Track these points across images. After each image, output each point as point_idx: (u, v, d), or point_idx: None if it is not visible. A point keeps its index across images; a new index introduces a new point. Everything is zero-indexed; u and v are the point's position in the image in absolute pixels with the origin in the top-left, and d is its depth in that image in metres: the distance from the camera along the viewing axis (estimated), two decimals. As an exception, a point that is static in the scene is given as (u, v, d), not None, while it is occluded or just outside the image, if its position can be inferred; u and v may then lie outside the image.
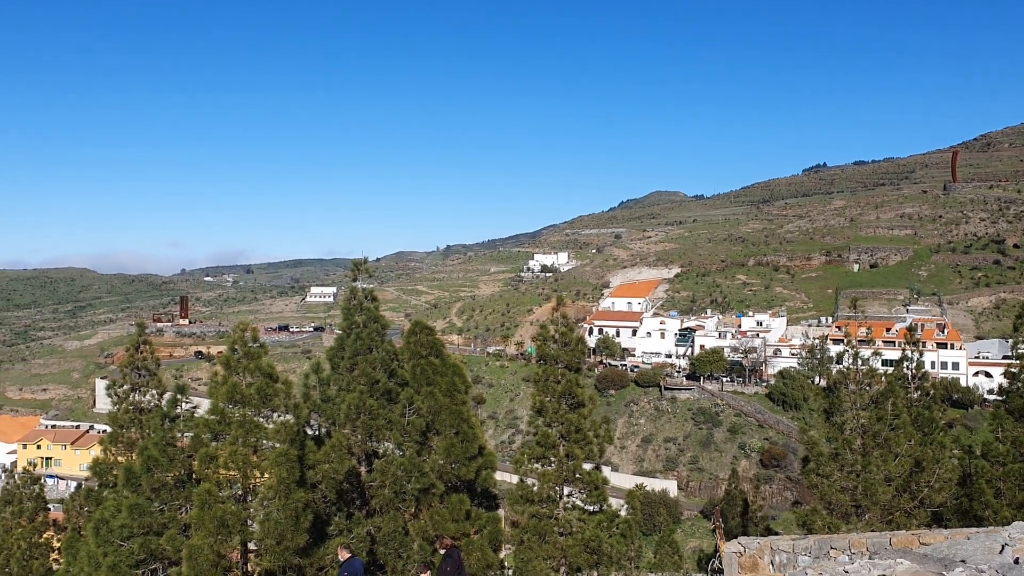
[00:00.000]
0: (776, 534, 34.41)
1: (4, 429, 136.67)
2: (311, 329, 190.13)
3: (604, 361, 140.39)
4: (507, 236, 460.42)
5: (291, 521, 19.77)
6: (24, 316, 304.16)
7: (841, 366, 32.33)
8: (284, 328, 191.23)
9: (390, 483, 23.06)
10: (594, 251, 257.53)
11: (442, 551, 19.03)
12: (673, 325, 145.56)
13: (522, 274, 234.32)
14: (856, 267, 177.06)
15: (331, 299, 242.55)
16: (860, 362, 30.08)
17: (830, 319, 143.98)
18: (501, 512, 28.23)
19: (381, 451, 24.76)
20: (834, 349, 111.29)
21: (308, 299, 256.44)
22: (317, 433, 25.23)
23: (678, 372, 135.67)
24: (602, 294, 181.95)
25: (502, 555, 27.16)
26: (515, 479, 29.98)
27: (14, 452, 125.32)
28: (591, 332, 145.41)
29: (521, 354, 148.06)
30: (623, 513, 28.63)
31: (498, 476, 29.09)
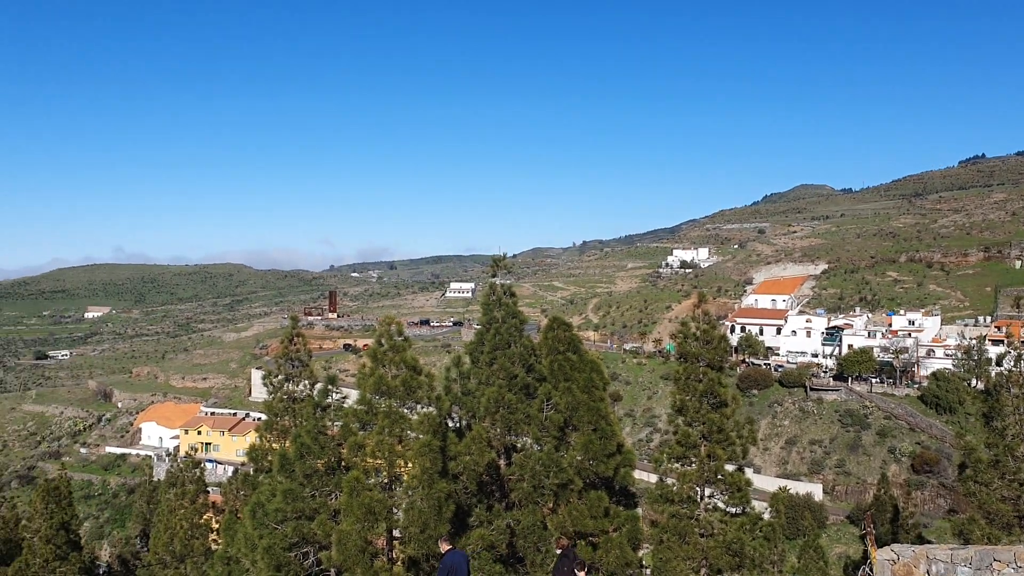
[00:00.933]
0: (928, 543, 32.75)
1: (168, 415, 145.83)
2: (450, 323, 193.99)
3: (746, 360, 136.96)
4: (645, 231, 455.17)
5: (434, 510, 20.32)
6: (186, 309, 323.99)
7: (1001, 368, 30.48)
8: (425, 322, 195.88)
9: (529, 477, 23.31)
10: (736, 246, 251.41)
11: (558, 551, 19.14)
12: (820, 323, 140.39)
13: (660, 270, 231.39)
14: (1018, 264, 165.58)
15: (470, 294, 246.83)
16: (1023, 364, 28.30)
17: (989, 319, 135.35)
18: (640, 511, 28.07)
19: (520, 445, 25.05)
20: (993, 350, 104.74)
21: (448, 294, 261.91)
22: (458, 425, 25.78)
23: (824, 372, 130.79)
24: (744, 291, 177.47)
25: (641, 554, 27.00)
26: (654, 478, 29.71)
27: (177, 437, 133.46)
28: (733, 330, 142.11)
29: (659, 351, 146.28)
30: (766, 516, 27.94)
31: (636, 474, 28.90)
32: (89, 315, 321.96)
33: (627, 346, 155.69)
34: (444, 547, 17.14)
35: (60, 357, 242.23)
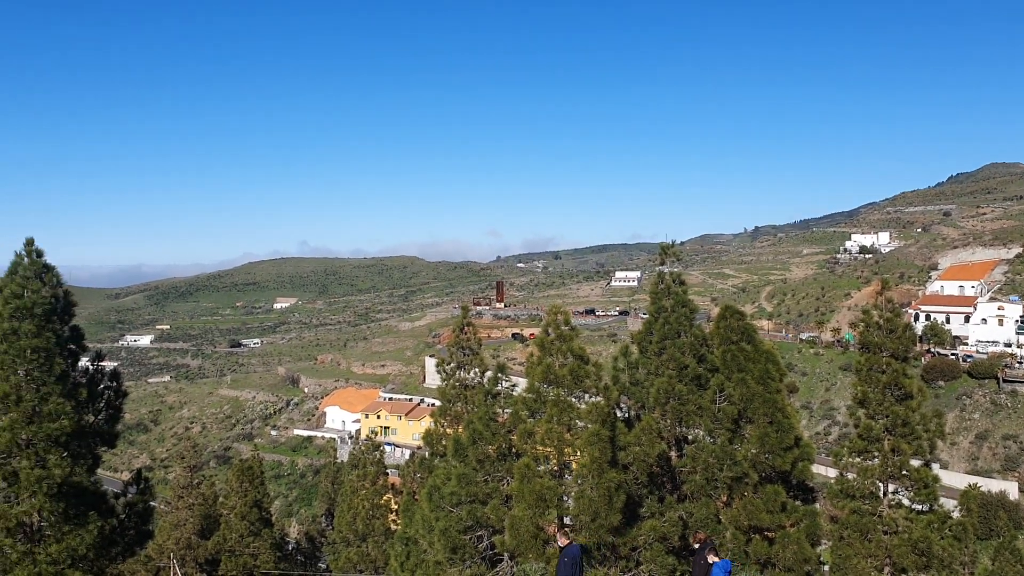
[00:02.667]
0: None
1: (350, 400, 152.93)
2: (616, 313, 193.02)
3: (932, 350, 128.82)
4: (821, 216, 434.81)
5: (604, 500, 20.33)
6: (365, 300, 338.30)
7: None
8: (590, 312, 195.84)
9: (701, 469, 22.94)
10: (919, 230, 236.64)
11: (696, 544, 18.91)
12: (1013, 311, 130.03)
13: (838, 256, 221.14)
14: None
15: (635, 283, 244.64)
16: None
17: None
18: (818, 506, 27.04)
19: (691, 437, 24.67)
20: None
21: (613, 283, 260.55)
22: (627, 415, 25.67)
23: (1020, 363, 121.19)
24: (929, 277, 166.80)
25: (819, 550, 26.02)
26: (833, 472, 28.54)
27: (358, 421, 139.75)
28: (917, 318, 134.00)
29: (838, 341, 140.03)
30: (956, 514, 26.26)
31: (814, 469, 27.85)
32: (277, 306, 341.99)
33: (803, 335, 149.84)
34: (563, 541, 17.42)
35: (252, 345, 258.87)
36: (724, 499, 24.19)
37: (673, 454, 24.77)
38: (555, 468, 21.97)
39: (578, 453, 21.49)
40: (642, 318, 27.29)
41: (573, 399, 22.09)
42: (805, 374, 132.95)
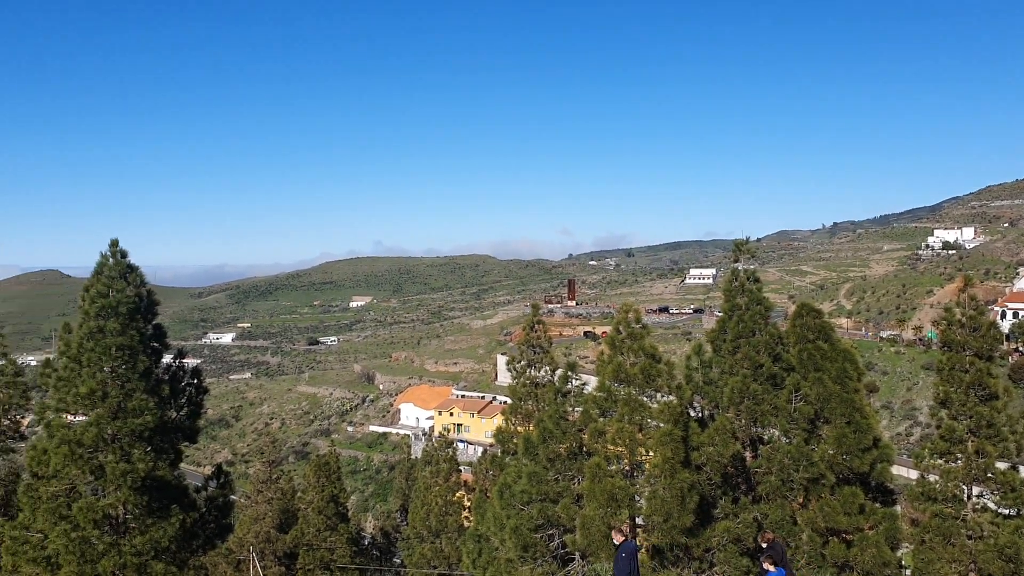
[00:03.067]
0: None
1: (424, 397, 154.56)
2: (690, 311, 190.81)
3: (1020, 349, 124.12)
4: (902, 211, 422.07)
5: (677, 500, 20.10)
6: (438, 298, 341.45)
7: None
8: (663, 310, 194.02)
9: (776, 470, 22.50)
10: (1006, 225, 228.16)
11: (763, 544, 18.74)
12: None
13: (919, 252, 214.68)
14: None
15: (710, 281, 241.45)
16: None
17: None
18: (898, 508, 26.28)
19: (766, 437, 24.23)
20: None
21: (687, 281, 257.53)
22: (700, 415, 25.33)
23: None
24: (1016, 273, 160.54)
25: (899, 554, 25.29)
26: (914, 474, 27.71)
27: (431, 418, 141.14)
28: (1003, 316, 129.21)
29: (920, 339, 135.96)
30: (1047, 521, 25.21)
31: (894, 470, 27.06)
32: (353, 304, 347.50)
33: (883, 334, 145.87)
34: (618, 538, 17.68)
35: (329, 343, 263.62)
36: (800, 501, 23.69)
37: (748, 454, 24.36)
38: (626, 468, 21.81)
39: (650, 453, 21.29)
40: (716, 316, 26.91)
41: (645, 398, 21.89)
42: (886, 373, 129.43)
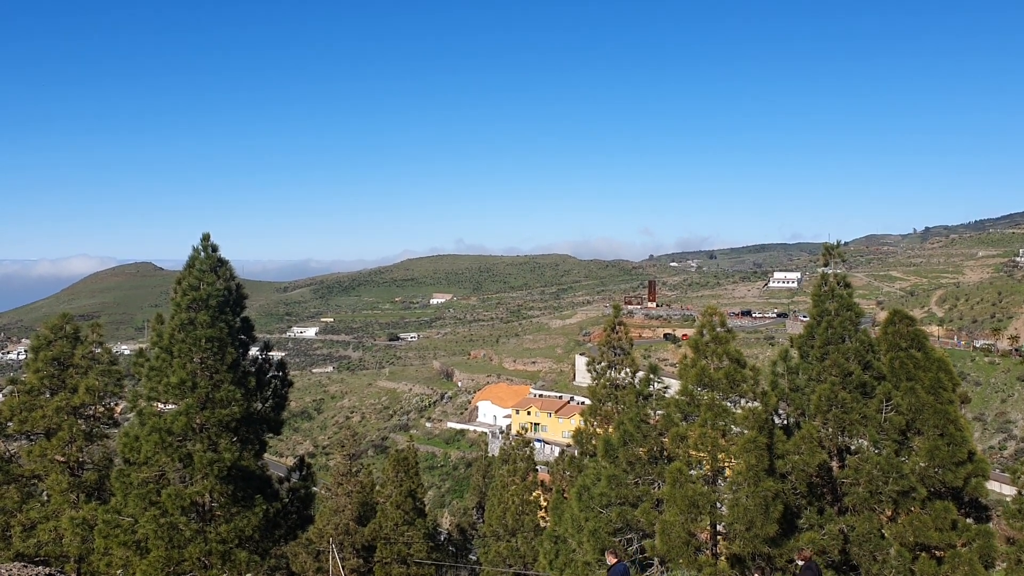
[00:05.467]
0: None
1: (502, 395, 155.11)
2: (774, 315, 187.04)
3: None
4: (999, 216, 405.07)
5: (760, 509, 19.64)
6: (517, 297, 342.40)
7: None
8: (746, 313, 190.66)
9: (865, 482, 21.76)
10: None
11: (800, 562, 18.34)
12: None
13: (1017, 259, 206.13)
14: None
15: (795, 285, 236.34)
16: None
17: None
18: (992, 525, 25.18)
19: (854, 447, 23.48)
20: None
21: (771, 284, 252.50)
22: (785, 422, 24.72)
23: None
24: None
25: (993, 572, 24.24)
26: (1009, 490, 26.55)
27: (509, 416, 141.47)
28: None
29: (1016, 350, 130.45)
30: None
31: (989, 485, 25.95)
32: (434, 301, 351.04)
33: (977, 343, 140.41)
34: (611, 559, 17.76)
35: (409, 339, 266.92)
36: (889, 514, 22.89)
37: (834, 464, 23.64)
38: (708, 474, 21.40)
39: (733, 459, 20.86)
40: (802, 321, 26.16)
41: (728, 403, 21.47)
42: (979, 384, 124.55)
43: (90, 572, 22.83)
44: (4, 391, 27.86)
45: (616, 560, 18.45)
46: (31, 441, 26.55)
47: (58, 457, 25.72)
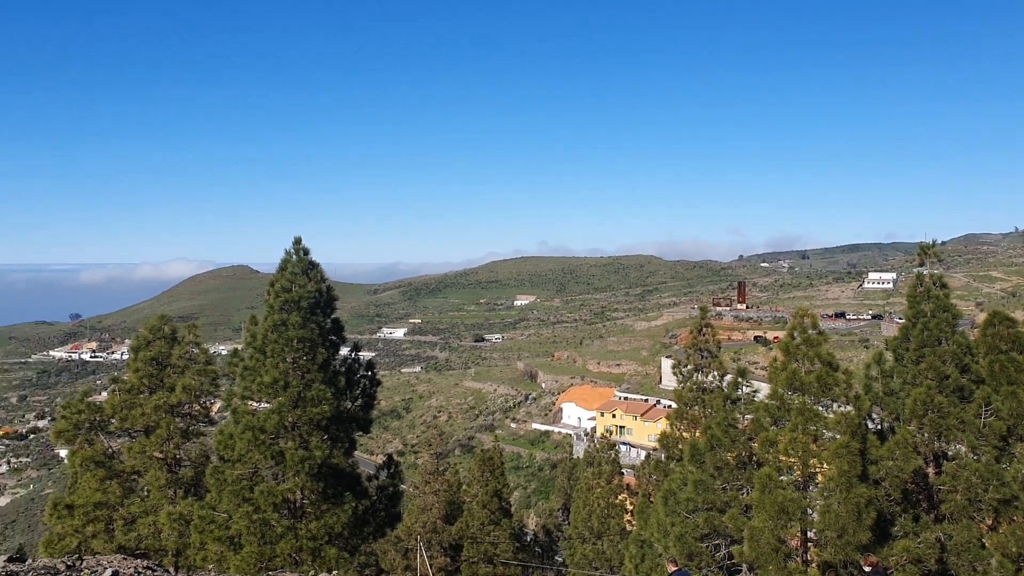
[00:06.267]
0: None
1: (586, 397, 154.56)
2: (868, 317, 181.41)
3: None
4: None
5: (852, 516, 19.15)
6: (601, 298, 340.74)
7: None
8: (840, 315, 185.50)
9: (963, 489, 21.00)
10: None
11: (867, 568, 17.74)
12: None
13: None
14: None
15: (890, 285, 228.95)
16: None
17: None
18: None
19: (951, 453, 22.68)
20: None
21: (865, 285, 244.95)
22: (879, 427, 24.04)
23: None
24: None
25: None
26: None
27: (593, 419, 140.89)
28: None
29: None
30: None
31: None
32: (518, 303, 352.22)
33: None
34: (671, 568, 17.43)
35: (494, 340, 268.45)
36: (989, 522, 22.02)
37: (930, 471, 22.88)
38: (799, 479, 20.96)
39: (824, 465, 20.38)
40: (897, 323, 25.41)
41: (820, 408, 20.99)
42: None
43: (187, 566, 23.66)
44: (107, 390, 29.09)
45: (676, 568, 18.28)
46: (131, 438, 27.63)
47: (156, 454, 26.72)
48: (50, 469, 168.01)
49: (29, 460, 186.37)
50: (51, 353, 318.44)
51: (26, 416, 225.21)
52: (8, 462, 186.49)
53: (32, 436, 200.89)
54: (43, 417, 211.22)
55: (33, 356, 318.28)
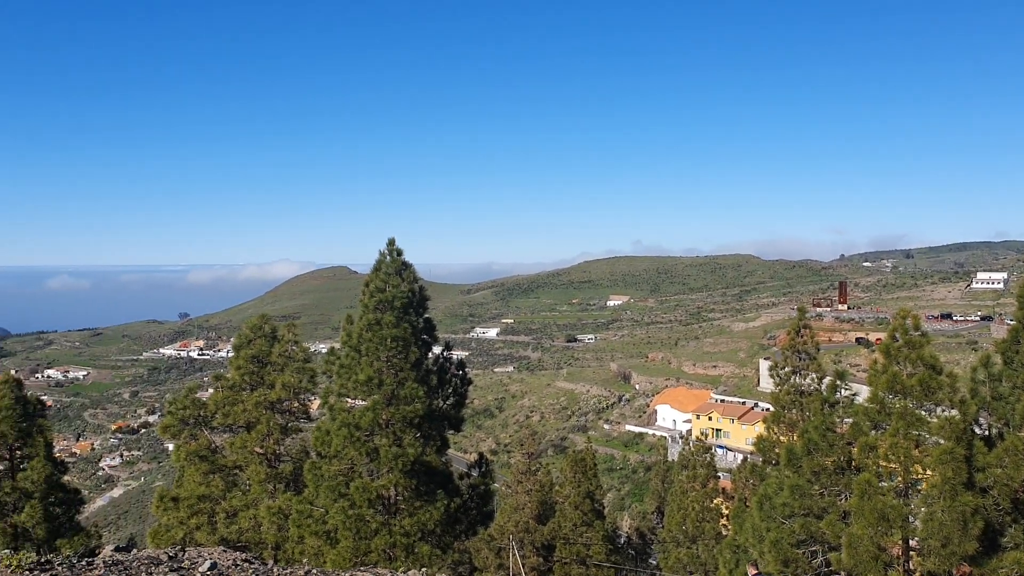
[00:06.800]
0: None
1: (681, 399, 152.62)
2: (976, 318, 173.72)
3: None
4: None
5: (958, 525, 18.39)
6: (697, 299, 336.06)
7: None
8: (946, 316, 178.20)
9: (1080, 500, 19.95)
10: None
11: None
12: None
13: None
14: None
15: (1000, 286, 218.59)
16: None
17: None
18: None
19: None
20: None
21: (973, 285, 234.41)
22: (986, 433, 23.02)
23: None
24: None
25: None
26: None
27: (688, 421, 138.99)
28: None
29: None
30: None
31: None
32: (611, 303, 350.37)
33: None
34: (752, 571, 16.82)
35: (587, 340, 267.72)
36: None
37: (1045, 480, 21.79)
38: (900, 486, 20.26)
39: (927, 471, 19.64)
40: (1008, 325, 24.29)
41: (923, 412, 20.24)
42: None
43: (285, 559, 24.34)
44: (211, 387, 30.18)
45: (756, 572, 17.93)
46: (233, 434, 28.59)
47: (257, 449, 27.57)
48: (160, 462, 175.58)
49: (141, 453, 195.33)
50: (161, 351, 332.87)
51: (138, 411, 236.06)
52: (121, 455, 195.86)
53: (143, 430, 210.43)
54: (153, 412, 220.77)
55: (144, 353, 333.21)
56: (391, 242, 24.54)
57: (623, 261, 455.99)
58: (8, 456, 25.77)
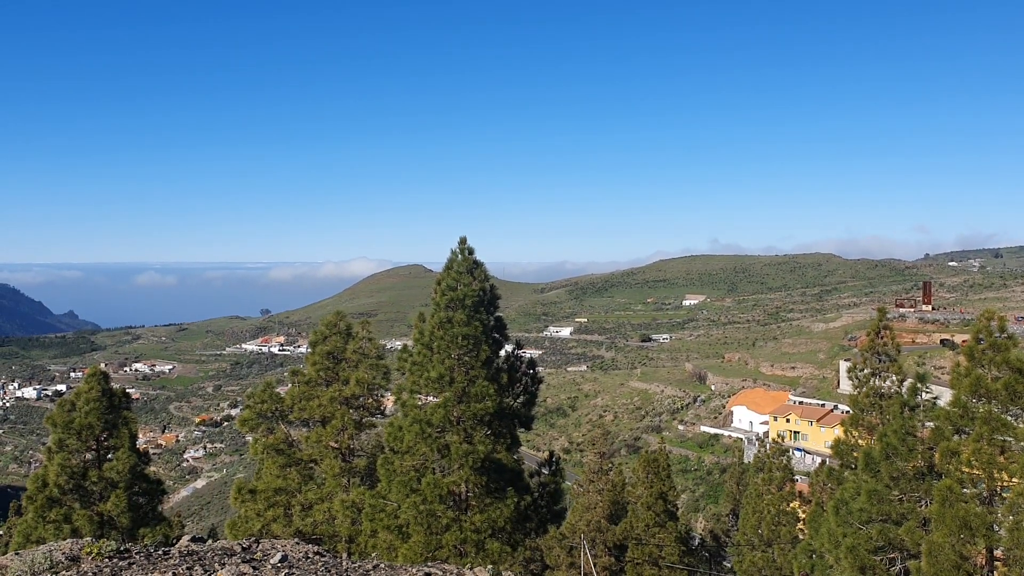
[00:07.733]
0: None
1: (758, 401, 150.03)
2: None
3: None
4: None
5: (1045, 535, 17.72)
6: (775, 298, 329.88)
7: None
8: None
9: None
10: None
11: None
12: None
13: None
14: None
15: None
16: None
17: None
18: None
19: None
20: None
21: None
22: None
23: None
24: None
25: None
26: None
27: (766, 423, 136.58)
28: None
29: None
30: None
31: None
32: (686, 303, 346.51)
33: None
34: None
35: (661, 340, 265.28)
36: None
37: None
38: (984, 493, 19.57)
39: (1013, 479, 18.93)
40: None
41: (1008, 417, 19.52)
42: None
43: (358, 552, 24.74)
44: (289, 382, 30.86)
45: None
46: (309, 428, 29.20)
47: (331, 443, 28.08)
48: (242, 455, 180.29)
49: (223, 446, 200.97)
50: (243, 346, 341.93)
51: (220, 404, 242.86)
52: (204, 447, 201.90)
53: (226, 424, 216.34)
54: (235, 406, 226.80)
55: (227, 348, 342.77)
56: (462, 241, 24.73)
57: (699, 260, 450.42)
58: (95, 447, 26.79)
